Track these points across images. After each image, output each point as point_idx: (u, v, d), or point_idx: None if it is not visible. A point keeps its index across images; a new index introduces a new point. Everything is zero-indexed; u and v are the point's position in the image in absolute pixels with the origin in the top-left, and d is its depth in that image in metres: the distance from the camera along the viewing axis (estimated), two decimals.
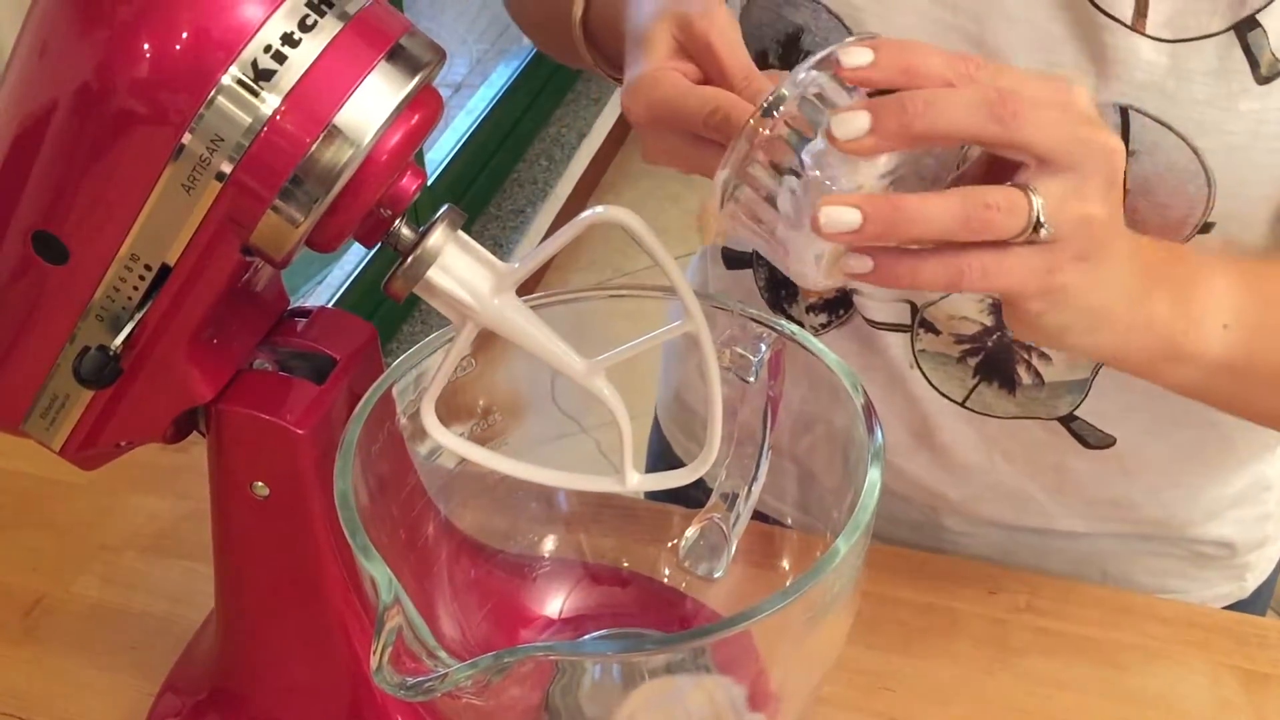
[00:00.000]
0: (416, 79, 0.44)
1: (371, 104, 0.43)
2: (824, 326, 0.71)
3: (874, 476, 0.50)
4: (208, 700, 0.60)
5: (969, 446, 0.70)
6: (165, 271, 0.46)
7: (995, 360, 0.66)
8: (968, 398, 0.68)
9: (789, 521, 0.60)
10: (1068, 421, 0.67)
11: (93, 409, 0.50)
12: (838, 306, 0.70)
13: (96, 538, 0.74)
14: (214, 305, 0.47)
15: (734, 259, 0.77)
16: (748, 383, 0.59)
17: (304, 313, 0.56)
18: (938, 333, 0.67)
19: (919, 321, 0.67)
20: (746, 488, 0.62)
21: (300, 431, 0.51)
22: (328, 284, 2.02)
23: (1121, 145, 0.46)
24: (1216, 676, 0.64)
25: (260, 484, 0.52)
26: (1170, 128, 0.56)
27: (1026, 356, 0.65)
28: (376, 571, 0.46)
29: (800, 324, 0.73)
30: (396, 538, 0.56)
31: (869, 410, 0.52)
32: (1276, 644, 0.65)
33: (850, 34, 0.60)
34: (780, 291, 0.73)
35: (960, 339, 0.66)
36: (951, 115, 0.44)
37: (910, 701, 0.63)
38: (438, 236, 0.48)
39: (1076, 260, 0.46)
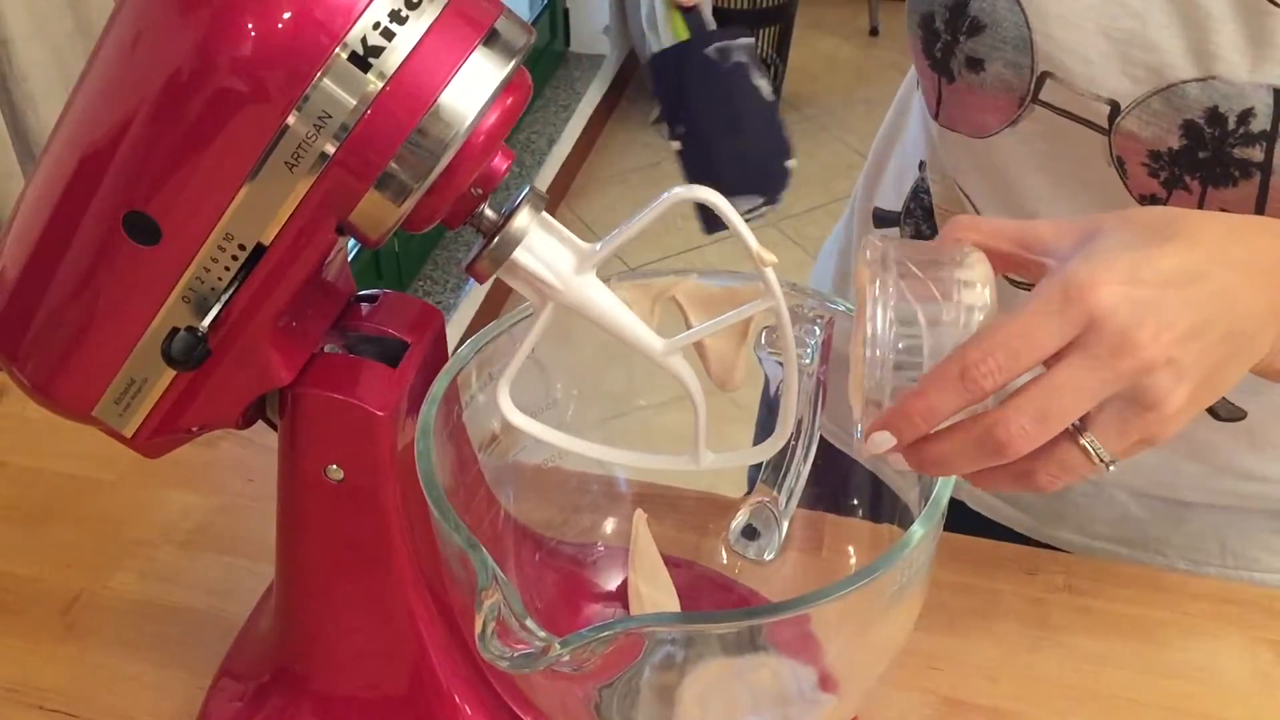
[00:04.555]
0: (514, 61, 0.44)
1: (473, 85, 0.43)
2: None
3: None
4: (270, 683, 0.60)
5: None
6: (259, 251, 0.46)
7: None
8: None
9: (856, 505, 0.61)
10: None
11: (171, 393, 0.50)
12: None
13: (131, 533, 0.74)
14: (302, 286, 0.47)
15: (883, 218, 0.79)
16: (802, 365, 0.60)
17: (370, 297, 0.56)
18: None
19: None
20: (796, 469, 0.63)
21: (381, 414, 0.51)
22: None
23: (1123, 308, 0.45)
24: (1254, 650, 0.66)
25: (335, 467, 0.53)
26: None
27: None
28: (473, 553, 0.46)
29: None
30: (464, 523, 0.56)
31: None
32: None
33: (1018, 4, 0.61)
34: None
35: None
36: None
37: (959, 680, 0.65)
38: (523, 217, 0.48)
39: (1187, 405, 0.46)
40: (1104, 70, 0.60)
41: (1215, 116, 0.58)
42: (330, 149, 0.43)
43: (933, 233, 0.74)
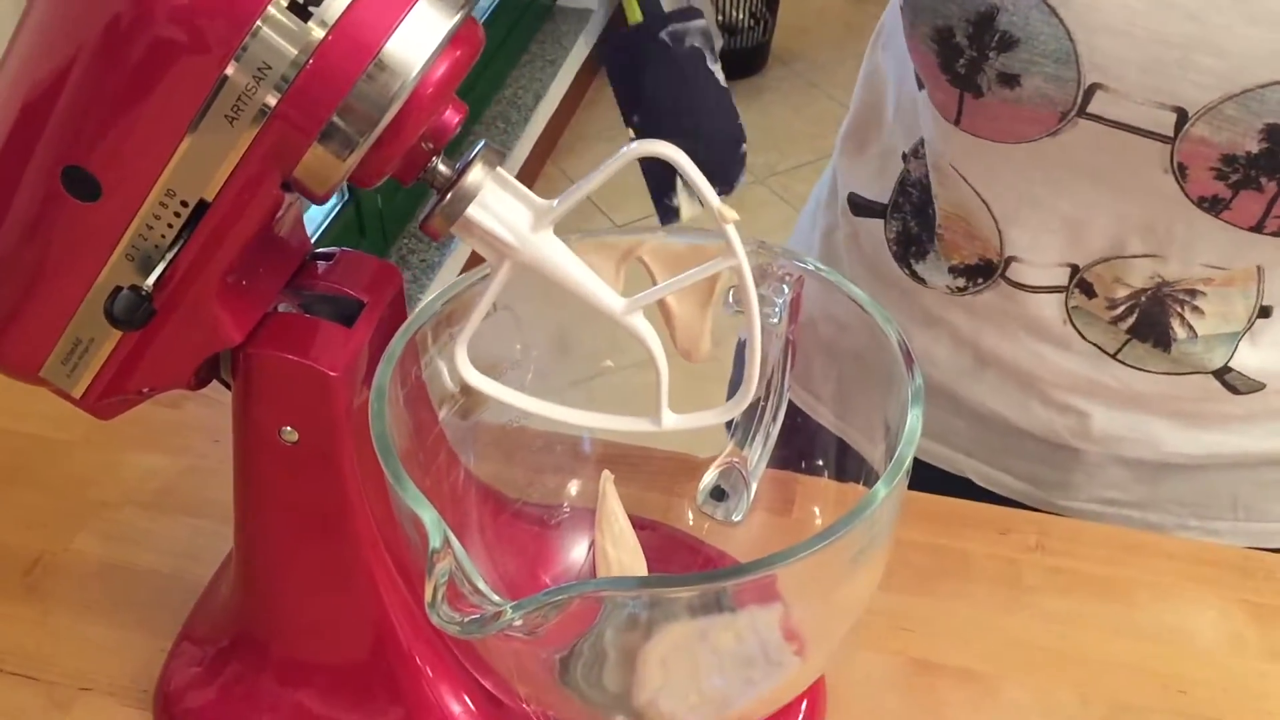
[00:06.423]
0: (462, 10, 0.43)
1: (418, 35, 0.42)
2: (961, 290, 0.71)
3: (914, 422, 0.50)
4: (229, 648, 0.59)
5: (1116, 396, 0.70)
6: (202, 208, 0.44)
7: (1149, 318, 0.66)
8: (1120, 350, 0.68)
9: (822, 465, 0.60)
10: (1221, 374, 0.67)
11: (119, 353, 0.49)
12: (978, 274, 0.70)
13: (94, 495, 0.73)
14: (249, 243, 0.46)
15: (863, 207, 0.76)
16: (770, 324, 0.59)
17: (326, 255, 0.55)
18: (1092, 296, 0.66)
19: (1076, 283, 0.66)
20: (765, 429, 0.62)
21: (333, 374, 0.50)
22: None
23: None
24: (1226, 610, 0.65)
25: (289, 429, 0.51)
26: None
27: (1180, 310, 0.65)
28: (425, 515, 0.45)
29: (923, 281, 0.73)
30: (424, 485, 0.55)
31: (906, 350, 0.52)
32: None
33: (1056, 16, 0.57)
34: (910, 247, 0.73)
35: (1113, 304, 0.66)
36: None
37: (929, 641, 0.64)
38: (476, 173, 0.47)
39: None
40: (1165, 78, 0.56)
41: None
42: (271, 101, 0.41)
43: (922, 229, 0.72)
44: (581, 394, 0.62)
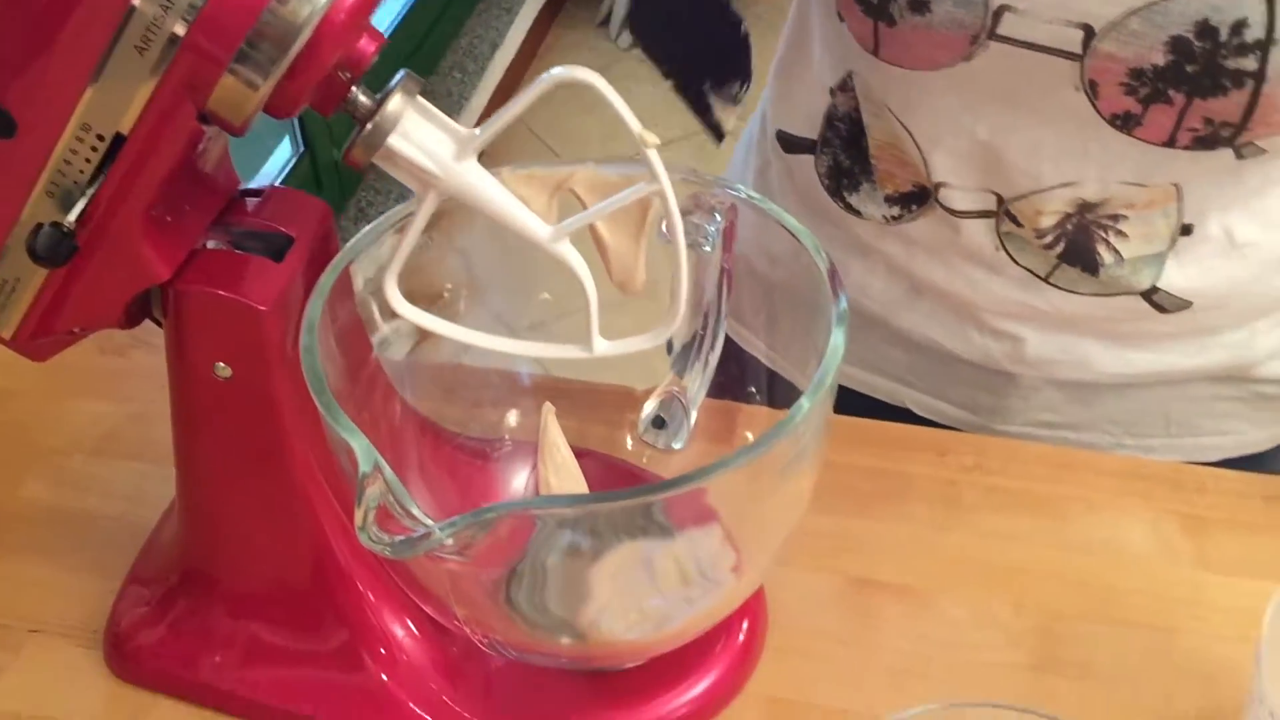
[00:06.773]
0: None
1: None
2: (897, 218, 0.72)
3: (838, 339, 0.51)
4: (176, 586, 0.60)
5: (1048, 319, 0.71)
6: (119, 141, 0.44)
7: (1076, 244, 0.67)
8: (1051, 274, 0.69)
9: (754, 392, 0.61)
10: (1149, 295, 0.68)
11: (46, 292, 0.49)
12: (913, 201, 0.70)
13: (41, 442, 0.73)
14: (169, 177, 0.46)
15: (792, 143, 0.76)
16: (704, 253, 0.60)
17: (256, 193, 0.55)
18: (1020, 225, 0.67)
19: (1004, 212, 0.67)
20: (704, 358, 0.63)
21: (262, 308, 0.50)
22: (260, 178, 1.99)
23: None
24: (1157, 523, 0.67)
25: (222, 365, 0.52)
26: None
27: (1104, 235, 0.66)
28: (355, 441, 0.46)
29: (858, 213, 0.73)
30: (361, 419, 0.56)
31: (833, 274, 0.53)
32: (1214, 490, 0.68)
33: None
34: (842, 180, 0.73)
35: (1040, 233, 0.67)
36: None
37: (868, 560, 0.65)
38: (396, 102, 0.47)
39: None
40: None
41: (1206, 30, 0.56)
42: (180, 30, 0.41)
43: (852, 162, 0.73)
44: (538, 337, 0.62)
